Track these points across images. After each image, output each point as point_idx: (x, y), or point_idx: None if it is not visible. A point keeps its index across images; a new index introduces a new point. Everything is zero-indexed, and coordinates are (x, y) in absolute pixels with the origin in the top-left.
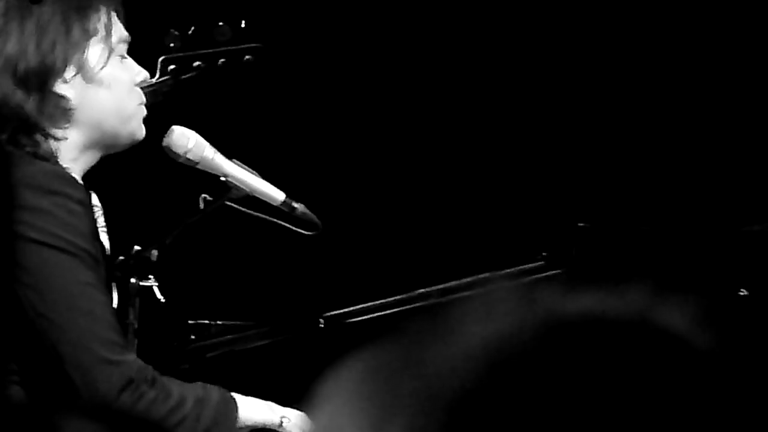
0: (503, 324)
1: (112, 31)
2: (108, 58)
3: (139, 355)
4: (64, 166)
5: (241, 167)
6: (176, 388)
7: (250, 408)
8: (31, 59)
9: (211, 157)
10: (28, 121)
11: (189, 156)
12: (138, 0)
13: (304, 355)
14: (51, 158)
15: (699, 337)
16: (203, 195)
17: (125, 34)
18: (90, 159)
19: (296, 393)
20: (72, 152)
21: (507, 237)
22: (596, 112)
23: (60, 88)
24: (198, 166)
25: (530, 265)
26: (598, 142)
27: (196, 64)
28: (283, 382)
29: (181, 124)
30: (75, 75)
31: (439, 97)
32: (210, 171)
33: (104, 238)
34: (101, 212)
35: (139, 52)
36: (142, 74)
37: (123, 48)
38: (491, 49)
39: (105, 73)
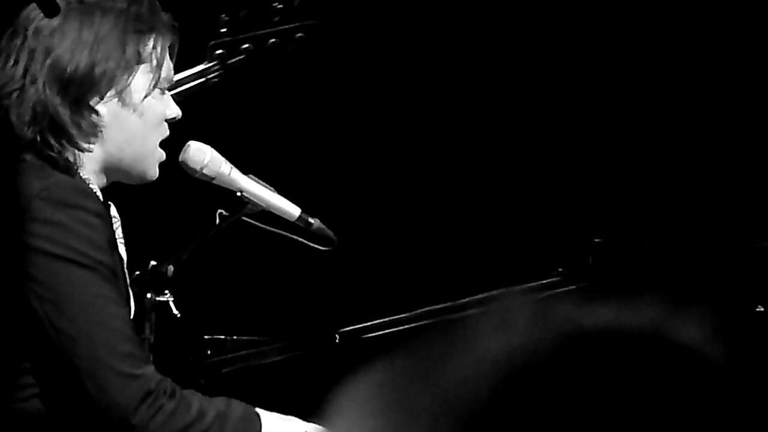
0: (516, 338)
1: (163, 66)
2: (151, 89)
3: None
4: (85, 177)
5: (257, 182)
6: (197, 401)
7: (274, 424)
8: (80, 66)
9: (227, 172)
10: (58, 125)
11: (205, 171)
12: None
13: (320, 370)
14: (72, 167)
15: (715, 352)
16: (219, 210)
17: (172, 75)
18: (101, 181)
19: (312, 408)
20: (93, 165)
21: (523, 252)
22: (613, 127)
23: (96, 104)
24: (214, 182)
25: (547, 281)
26: (615, 157)
27: (245, 46)
28: (298, 398)
29: (195, 138)
30: (114, 95)
31: (455, 112)
32: (226, 186)
33: (122, 249)
34: (119, 224)
35: (191, 40)
36: (175, 110)
37: (165, 84)
38: (509, 65)
39: (143, 103)
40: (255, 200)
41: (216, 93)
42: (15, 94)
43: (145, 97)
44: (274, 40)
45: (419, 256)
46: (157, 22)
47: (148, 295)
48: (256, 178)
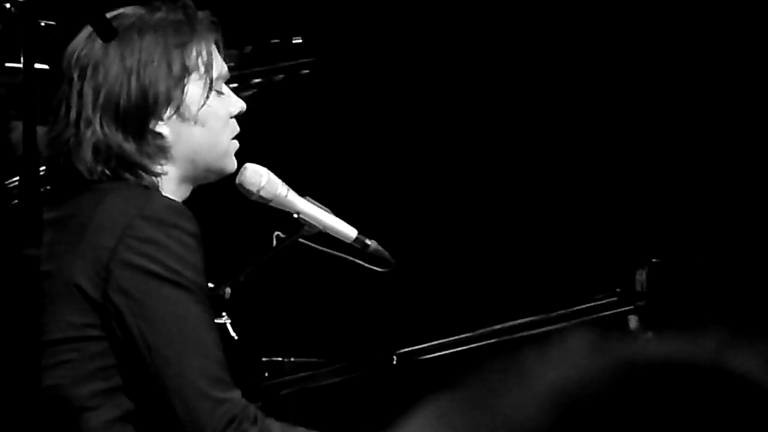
0: (575, 367)
1: (213, 67)
2: (207, 96)
3: None
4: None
5: (314, 204)
6: (278, 429)
7: None
8: (133, 96)
9: (284, 194)
10: (128, 161)
11: (262, 194)
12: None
13: (378, 392)
14: (154, 189)
15: None
16: (276, 232)
17: (225, 70)
18: (185, 192)
19: (370, 430)
20: (170, 185)
21: (580, 272)
22: (673, 145)
23: (157, 126)
24: (271, 204)
25: (603, 301)
26: (674, 176)
27: (255, 81)
28: (356, 420)
29: (252, 161)
30: (172, 113)
31: (508, 133)
32: (283, 208)
33: None
34: None
35: None
36: (239, 105)
37: (221, 82)
38: (569, 85)
39: (202, 112)
40: (312, 222)
41: (259, 97)
42: (71, 141)
43: (202, 106)
44: (281, 75)
45: (476, 276)
46: (195, 28)
47: None
48: (312, 200)
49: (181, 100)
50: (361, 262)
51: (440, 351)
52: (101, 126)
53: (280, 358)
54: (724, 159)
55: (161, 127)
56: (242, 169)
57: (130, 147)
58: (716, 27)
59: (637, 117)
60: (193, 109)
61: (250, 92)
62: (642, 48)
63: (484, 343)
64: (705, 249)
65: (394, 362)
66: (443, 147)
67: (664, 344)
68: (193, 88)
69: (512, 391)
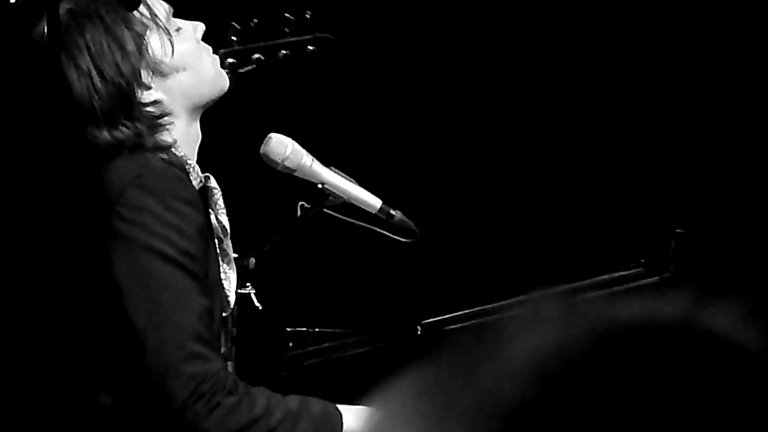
0: (552, 334)
1: (157, 15)
2: (169, 43)
3: (237, 363)
4: (181, 154)
5: (339, 174)
6: (263, 399)
7: (358, 419)
8: (104, 93)
9: (308, 164)
10: (135, 143)
11: (287, 164)
12: None
13: (402, 362)
14: (168, 148)
15: None
16: (300, 202)
17: (166, 6)
18: (195, 130)
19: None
20: (180, 134)
21: (605, 242)
22: (697, 113)
23: (145, 96)
24: (295, 174)
25: (628, 272)
26: (699, 145)
27: (256, 56)
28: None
29: (276, 131)
30: (151, 76)
31: (534, 104)
32: (307, 178)
33: (224, 219)
34: (220, 194)
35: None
36: (199, 27)
37: (172, 21)
38: (595, 59)
39: (175, 58)
40: (336, 192)
41: (259, 72)
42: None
43: (172, 53)
44: (285, 51)
45: (500, 247)
46: None
47: None
48: (337, 170)
49: (151, 62)
50: (386, 233)
51: (465, 321)
52: (87, 134)
53: (304, 329)
54: (748, 133)
55: (151, 95)
56: (267, 139)
57: (128, 133)
58: (739, 10)
59: (667, 91)
60: (167, 60)
61: (249, 68)
62: (671, 27)
63: (508, 313)
64: (730, 219)
65: (419, 332)
66: (468, 116)
67: (639, 306)
68: (155, 45)
69: (491, 363)
